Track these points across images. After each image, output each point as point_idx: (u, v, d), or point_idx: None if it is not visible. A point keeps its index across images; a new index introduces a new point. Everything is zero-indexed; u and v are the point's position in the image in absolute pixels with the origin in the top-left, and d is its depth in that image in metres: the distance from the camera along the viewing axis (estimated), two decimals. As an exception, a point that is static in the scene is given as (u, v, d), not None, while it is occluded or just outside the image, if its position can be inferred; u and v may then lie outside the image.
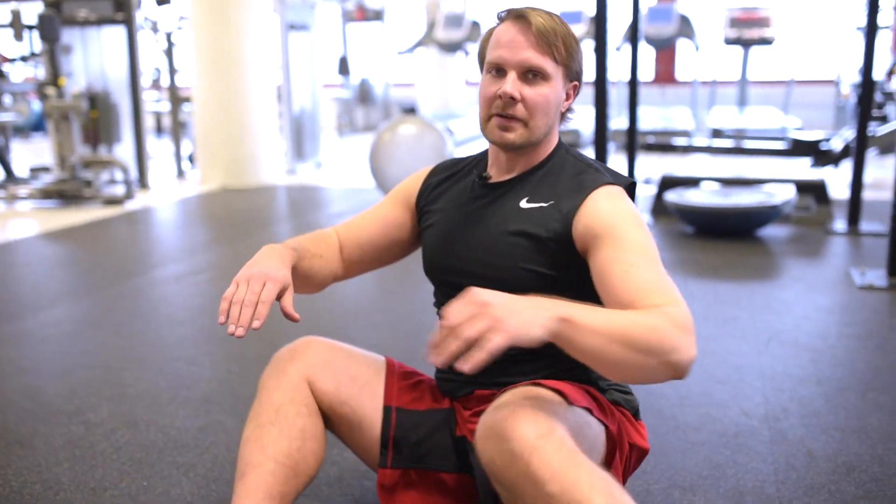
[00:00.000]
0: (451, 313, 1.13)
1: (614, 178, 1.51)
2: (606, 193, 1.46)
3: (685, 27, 9.53)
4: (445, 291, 1.60)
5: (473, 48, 10.67)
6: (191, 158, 8.10)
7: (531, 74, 1.47)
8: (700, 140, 8.56)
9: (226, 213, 6.05)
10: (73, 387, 2.64)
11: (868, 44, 4.82)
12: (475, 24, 10.42)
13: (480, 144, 8.12)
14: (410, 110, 10.60)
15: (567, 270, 1.49)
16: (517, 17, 1.47)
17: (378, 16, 12.12)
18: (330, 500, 1.95)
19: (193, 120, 7.46)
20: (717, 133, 8.70)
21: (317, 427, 1.57)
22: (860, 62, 4.90)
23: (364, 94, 12.38)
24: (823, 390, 2.51)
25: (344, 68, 12.17)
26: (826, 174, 6.17)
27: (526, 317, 1.13)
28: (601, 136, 3.91)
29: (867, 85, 4.81)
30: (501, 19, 1.51)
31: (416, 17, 12.52)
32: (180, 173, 7.85)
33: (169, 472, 2.06)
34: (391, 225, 1.73)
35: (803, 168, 6.73)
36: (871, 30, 4.81)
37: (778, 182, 5.18)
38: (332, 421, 1.62)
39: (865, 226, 4.87)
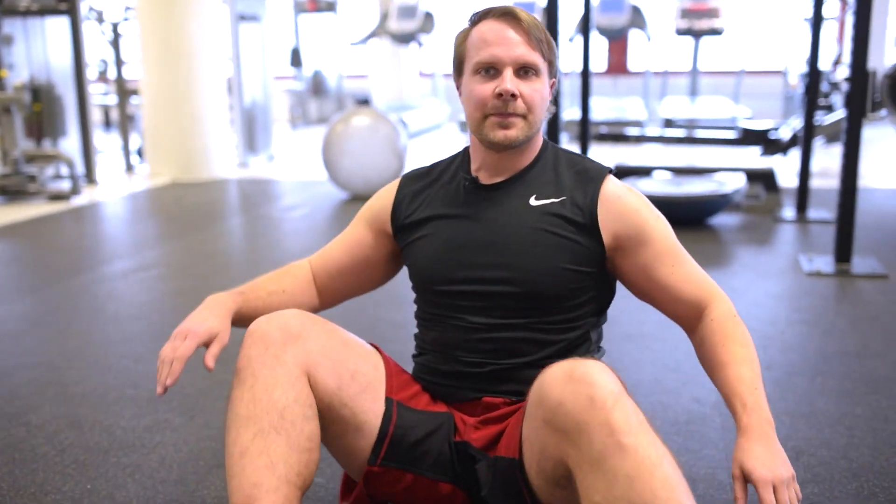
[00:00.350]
0: (764, 496, 1.24)
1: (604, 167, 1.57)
2: (615, 183, 1.53)
3: (637, 18, 9.61)
4: (448, 302, 1.54)
5: (426, 39, 10.67)
6: (139, 152, 7.94)
7: (524, 71, 1.46)
8: (652, 130, 8.64)
9: (176, 208, 5.94)
10: (14, 388, 2.56)
11: (814, 35, 4.90)
12: (428, 15, 10.38)
13: (434, 136, 8.09)
14: (364, 102, 10.51)
15: (593, 265, 1.52)
16: (503, 14, 1.46)
17: (331, 6, 12.00)
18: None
19: (142, 113, 7.31)
20: (669, 123, 8.79)
21: (318, 432, 1.41)
22: (807, 53, 4.97)
23: (317, 86, 12.26)
24: (773, 376, 2.54)
25: (296, 60, 12.04)
26: (775, 163, 6.27)
27: (784, 457, 1.32)
28: (554, 127, 3.92)
29: (813, 75, 4.89)
30: (478, 19, 1.49)
31: (369, 7, 12.43)
32: (129, 167, 7.69)
33: (114, 474, 2.00)
34: (361, 248, 1.68)
35: (753, 157, 6.83)
36: (816, 21, 4.89)
37: (728, 171, 5.25)
38: (325, 421, 1.44)
39: (813, 213, 4.95)
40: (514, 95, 1.45)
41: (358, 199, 5.88)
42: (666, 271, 1.51)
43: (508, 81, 1.44)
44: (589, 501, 1.19)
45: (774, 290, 3.49)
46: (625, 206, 1.51)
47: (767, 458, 1.28)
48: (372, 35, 10.79)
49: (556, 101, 1.59)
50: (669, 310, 1.57)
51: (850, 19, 10.46)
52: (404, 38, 10.59)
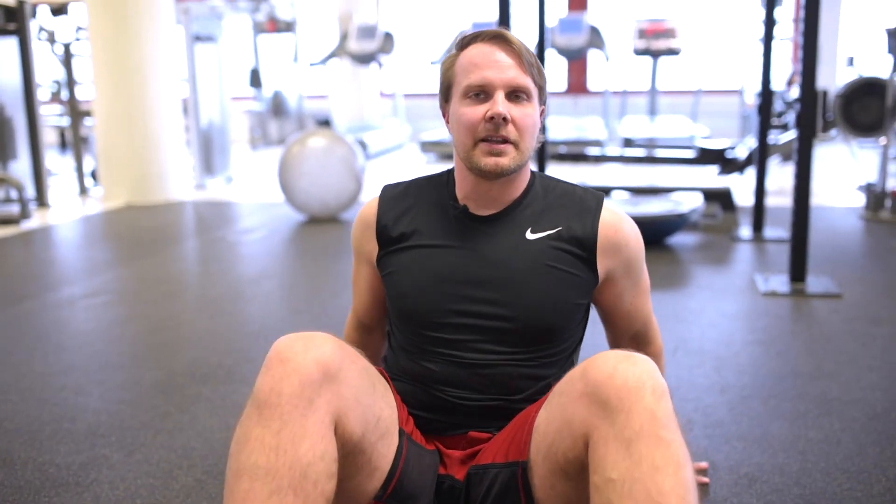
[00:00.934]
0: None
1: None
2: (612, 212, 1.53)
3: (595, 38, 9.68)
4: (436, 336, 1.48)
5: (387, 59, 10.66)
6: (93, 174, 7.79)
7: (516, 95, 1.42)
8: (612, 149, 8.69)
9: (129, 232, 5.82)
10: (-55, 424, 2.45)
11: (766, 54, 4.94)
12: (388, 36, 10.38)
13: (395, 156, 8.07)
14: (325, 122, 10.46)
15: (588, 297, 1.54)
16: (495, 37, 1.43)
17: (289, 27, 11.94)
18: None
19: (95, 134, 7.18)
20: (628, 142, 8.84)
21: (335, 489, 1.26)
22: (760, 72, 5.02)
23: (277, 107, 12.17)
24: (727, 399, 2.51)
25: (256, 80, 11.95)
26: (732, 182, 6.32)
27: None
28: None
29: (766, 94, 4.93)
30: (468, 43, 1.45)
31: (329, 28, 12.40)
32: (83, 190, 7.54)
33: (44, 515, 1.91)
34: (375, 281, 1.65)
35: (711, 176, 6.88)
36: (768, 40, 4.94)
37: (685, 190, 5.26)
38: (338, 464, 1.31)
39: (770, 232, 4.98)
40: (505, 119, 1.40)
41: (315, 221, 5.81)
42: (629, 299, 1.58)
43: (500, 104, 1.40)
44: (603, 475, 1.16)
45: (730, 310, 3.48)
46: (623, 239, 1.51)
47: None
48: (332, 55, 10.75)
49: (543, 129, 1.56)
50: (614, 332, 1.67)
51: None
52: (364, 59, 10.57)
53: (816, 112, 3.64)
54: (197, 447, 2.24)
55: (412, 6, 13.01)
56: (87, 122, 7.83)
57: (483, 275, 1.47)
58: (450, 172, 1.57)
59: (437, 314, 1.48)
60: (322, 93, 12.69)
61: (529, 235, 1.48)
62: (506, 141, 1.42)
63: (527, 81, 1.43)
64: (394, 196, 1.59)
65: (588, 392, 1.22)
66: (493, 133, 1.41)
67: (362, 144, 9.38)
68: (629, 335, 1.65)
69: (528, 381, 1.49)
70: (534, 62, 1.45)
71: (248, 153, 11.39)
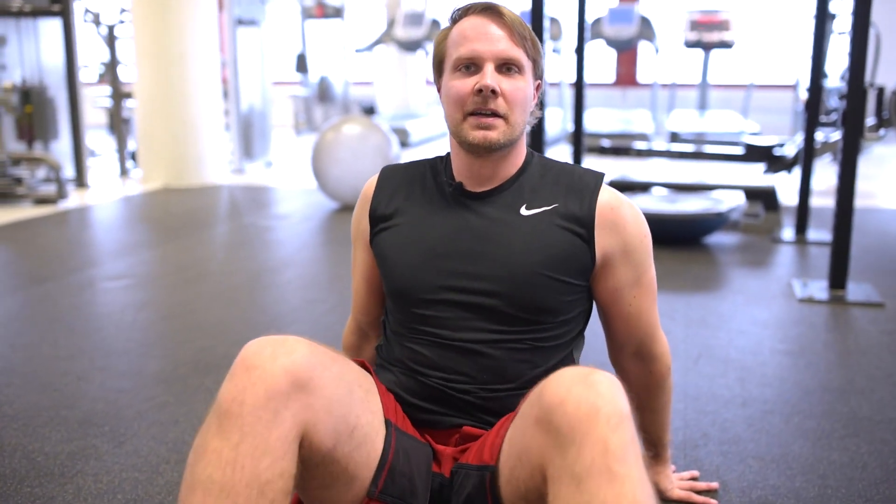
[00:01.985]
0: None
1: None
2: (610, 192, 1.45)
3: (646, 29, 9.45)
4: (429, 314, 1.42)
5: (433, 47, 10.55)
6: (133, 156, 7.85)
7: (507, 67, 1.37)
8: (658, 144, 8.47)
9: (162, 215, 5.82)
10: (-56, 406, 2.43)
11: (816, 49, 4.73)
12: (435, 23, 10.27)
13: (439, 145, 7.96)
14: (370, 109, 10.40)
15: (583, 278, 1.46)
16: (485, 9, 1.38)
17: (338, 13, 11.88)
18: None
19: (136, 116, 7.22)
20: (675, 137, 8.61)
21: None
22: (810, 66, 4.81)
23: (323, 93, 12.13)
24: (747, 413, 2.37)
25: (302, 65, 11.93)
26: (778, 180, 6.08)
27: None
28: (539, 137, 3.76)
29: (814, 90, 4.72)
30: (459, 17, 1.41)
31: (376, 14, 12.33)
32: (123, 172, 7.59)
33: (21, 507, 1.87)
34: (374, 273, 1.58)
35: (757, 174, 6.64)
36: (819, 34, 4.72)
37: (727, 188, 5.07)
38: (311, 474, 1.26)
39: (813, 234, 4.77)
40: (494, 91, 1.35)
41: (347, 209, 5.74)
42: (630, 297, 1.48)
43: (489, 76, 1.35)
44: None
45: (762, 317, 3.31)
46: (621, 219, 1.43)
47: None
48: (378, 42, 10.68)
49: (541, 105, 1.48)
50: (615, 342, 1.58)
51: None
52: (411, 46, 10.47)
53: (864, 109, 3.44)
54: (188, 441, 2.18)
55: (461, -7, 12.86)
56: (130, 103, 7.87)
57: (474, 250, 1.42)
58: (448, 154, 1.54)
59: (428, 290, 1.43)
60: (368, 80, 12.63)
61: (524, 211, 1.43)
62: (495, 114, 1.38)
63: (518, 53, 1.38)
64: (391, 175, 1.56)
65: (542, 418, 1.13)
66: (482, 106, 1.37)
67: (404, 132, 9.30)
68: (632, 348, 1.54)
69: (521, 366, 1.41)
70: (527, 34, 1.40)
71: (293, 138, 11.39)
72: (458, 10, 1.42)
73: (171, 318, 3.31)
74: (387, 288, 1.51)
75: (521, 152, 1.47)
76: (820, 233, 4.79)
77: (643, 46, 10.16)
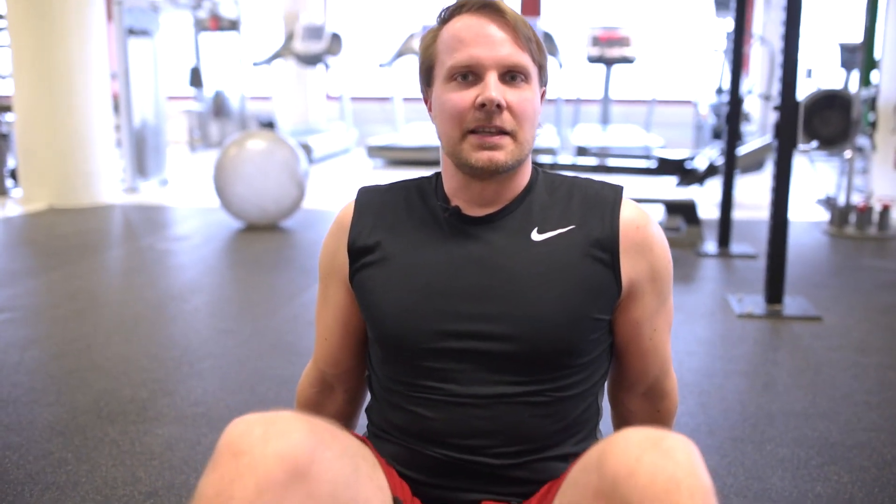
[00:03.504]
0: None
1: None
2: (633, 207, 1.22)
3: (549, 44, 9.44)
4: (429, 366, 1.16)
5: (334, 61, 10.27)
6: (13, 174, 7.24)
7: (511, 76, 1.12)
8: (565, 157, 8.43)
9: (47, 238, 5.33)
10: None
11: (735, 65, 4.74)
12: (335, 37, 9.99)
13: (341, 161, 7.64)
14: (268, 124, 10.00)
15: (609, 311, 1.21)
16: (482, 7, 1.13)
17: (233, 25, 11.45)
18: None
19: (15, 131, 6.66)
20: (581, 151, 8.60)
21: None
22: (725, 83, 4.80)
23: (218, 107, 11.65)
24: (717, 442, 2.21)
25: (196, 79, 11.43)
26: (693, 193, 6.09)
27: None
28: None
29: (734, 104, 4.70)
30: (451, 15, 1.16)
31: (274, 27, 11.96)
32: (2, 191, 6.99)
33: None
34: (346, 310, 1.29)
35: (669, 187, 6.65)
36: (737, 51, 4.73)
37: (647, 202, 5.00)
38: None
39: (736, 247, 4.73)
40: (500, 106, 1.11)
41: (253, 228, 5.40)
42: (649, 329, 1.24)
43: (493, 88, 1.11)
44: None
45: (706, 335, 3.19)
46: (648, 239, 1.19)
47: None
48: (276, 55, 10.32)
49: None
50: (625, 381, 1.32)
51: (756, 51, 10.58)
52: (310, 60, 10.16)
53: (797, 122, 3.38)
54: (93, 508, 1.85)
55: (361, 6, 12.64)
56: (8, 117, 7.28)
57: (481, 286, 1.16)
58: (438, 174, 1.27)
59: (426, 338, 1.16)
60: (266, 94, 12.23)
61: (535, 236, 1.18)
62: (501, 132, 1.13)
63: (524, 59, 1.13)
64: (370, 198, 1.28)
65: (605, 491, 0.91)
66: (486, 123, 1.12)
67: (306, 148, 8.96)
68: (643, 387, 1.31)
69: (545, 422, 1.17)
70: (532, 36, 1.15)
71: (187, 155, 10.87)
72: (450, 7, 1.17)
73: (63, 357, 2.93)
74: (374, 336, 1.24)
75: (527, 169, 1.22)
76: (742, 245, 4.77)
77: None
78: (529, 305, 1.14)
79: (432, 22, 1.20)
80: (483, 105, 1.10)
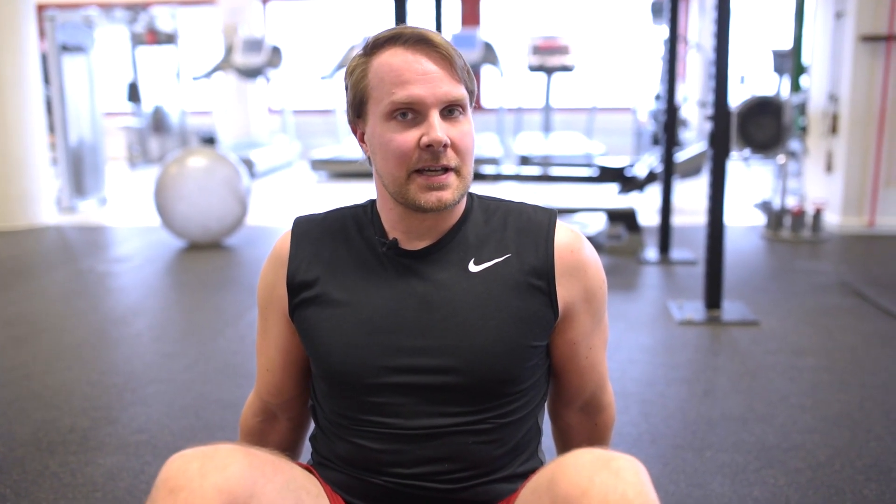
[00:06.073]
0: None
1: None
2: (566, 231, 1.25)
3: (489, 54, 9.52)
4: (373, 401, 1.17)
5: (274, 74, 10.21)
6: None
7: (449, 110, 1.13)
8: (508, 167, 8.50)
9: (-18, 262, 5.19)
10: None
11: (670, 72, 4.83)
12: (275, 50, 9.94)
13: (284, 175, 7.57)
14: (209, 140, 9.89)
15: (546, 337, 1.23)
16: (417, 41, 1.12)
17: (171, 39, 11.29)
18: None
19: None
20: (524, 160, 8.68)
21: None
22: (661, 90, 4.90)
23: (158, 123, 11.48)
24: (659, 451, 2.25)
25: (134, 95, 11.25)
26: (634, 201, 6.20)
27: None
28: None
29: (671, 112, 4.80)
30: (380, 46, 1.14)
31: (212, 41, 11.84)
32: (-68, 215, 6.78)
33: None
34: (289, 340, 1.29)
35: (610, 194, 6.76)
36: (671, 59, 4.83)
37: (589, 211, 5.08)
38: None
39: (676, 253, 4.83)
40: (445, 145, 1.12)
41: (196, 247, 5.33)
42: (585, 349, 1.28)
43: (438, 129, 1.11)
44: None
45: (648, 343, 3.25)
46: (582, 263, 1.22)
47: None
48: (216, 69, 10.22)
49: None
50: (563, 397, 1.35)
51: (692, 59, 10.81)
52: (251, 73, 10.09)
53: (729, 130, 3.48)
54: (34, 545, 1.82)
55: (301, 19, 12.58)
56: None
57: (422, 320, 1.18)
58: (373, 203, 1.28)
59: (371, 373, 1.17)
60: (206, 108, 12.08)
61: (472, 267, 1.20)
62: (446, 169, 1.14)
63: (461, 91, 1.14)
64: (307, 230, 1.28)
65: (568, 488, 0.95)
66: (432, 163, 1.13)
67: (249, 163, 8.89)
68: (580, 402, 1.35)
69: (489, 447, 1.19)
70: (463, 64, 1.16)
71: (127, 172, 10.69)
72: (380, 37, 1.16)
73: (0, 388, 2.86)
74: (318, 371, 1.24)
75: (463, 199, 1.23)
76: (682, 251, 4.87)
77: (487, 71, 10.25)
78: (469, 338, 1.16)
79: (370, 34, 1.20)
80: (429, 146, 1.11)
